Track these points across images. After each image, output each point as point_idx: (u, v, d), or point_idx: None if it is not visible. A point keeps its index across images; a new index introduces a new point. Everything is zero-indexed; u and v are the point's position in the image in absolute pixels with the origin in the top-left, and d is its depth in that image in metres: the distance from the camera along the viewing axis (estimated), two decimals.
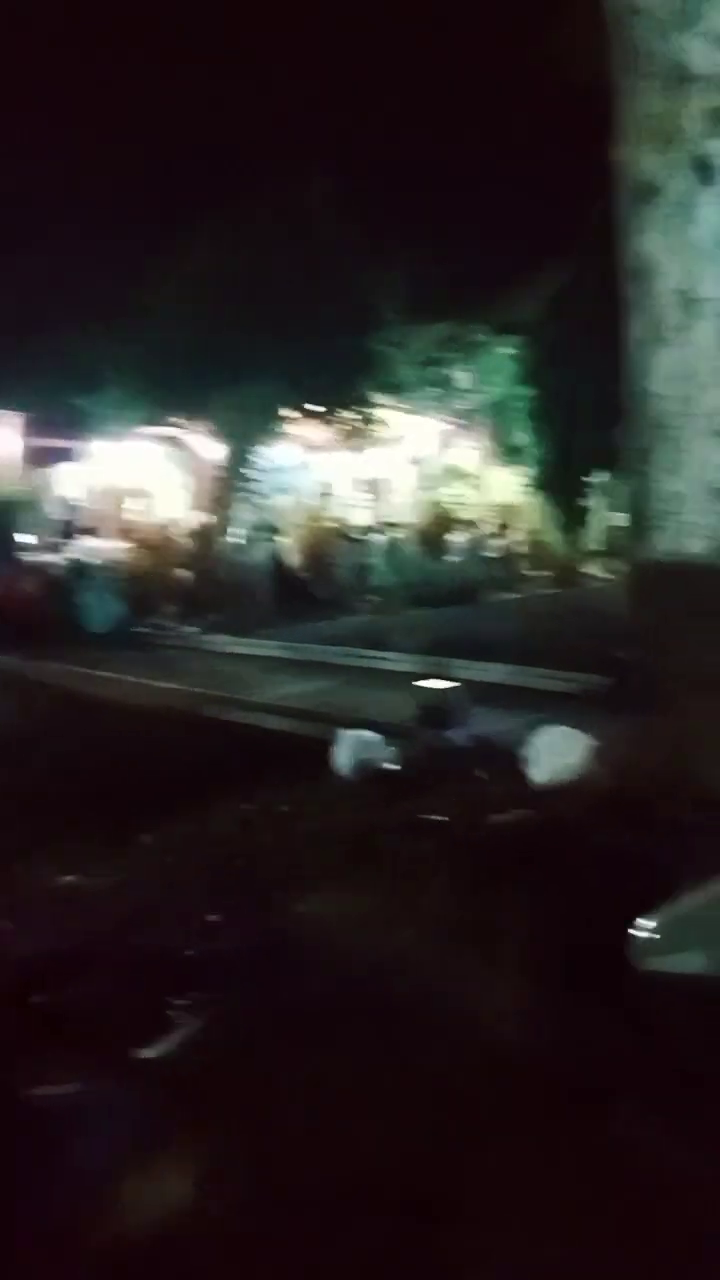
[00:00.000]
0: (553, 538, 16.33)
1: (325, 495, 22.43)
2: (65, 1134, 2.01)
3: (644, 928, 2.01)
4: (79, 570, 12.30)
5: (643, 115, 3.63)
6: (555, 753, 3.88)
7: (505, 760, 4.39)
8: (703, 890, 1.96)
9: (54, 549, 16.50)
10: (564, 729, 4.06)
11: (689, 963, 1.90)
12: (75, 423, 14.97)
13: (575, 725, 4.17)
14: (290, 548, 14.93)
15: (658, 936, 1.97)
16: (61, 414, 14.82)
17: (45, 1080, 2.20)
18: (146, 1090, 2.29)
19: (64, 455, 18.04)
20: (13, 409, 15.33)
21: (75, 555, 14.23)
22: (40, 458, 17.84)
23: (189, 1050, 2.44)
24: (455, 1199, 1.84)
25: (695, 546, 3.51)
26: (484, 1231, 1.75)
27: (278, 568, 13.91)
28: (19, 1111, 1.86)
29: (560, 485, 15.89)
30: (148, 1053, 2.41)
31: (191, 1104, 2.23)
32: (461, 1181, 1.88)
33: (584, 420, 13.67)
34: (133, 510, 20.07)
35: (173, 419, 14.98)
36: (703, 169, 3.46)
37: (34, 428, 15.78)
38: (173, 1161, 2.02)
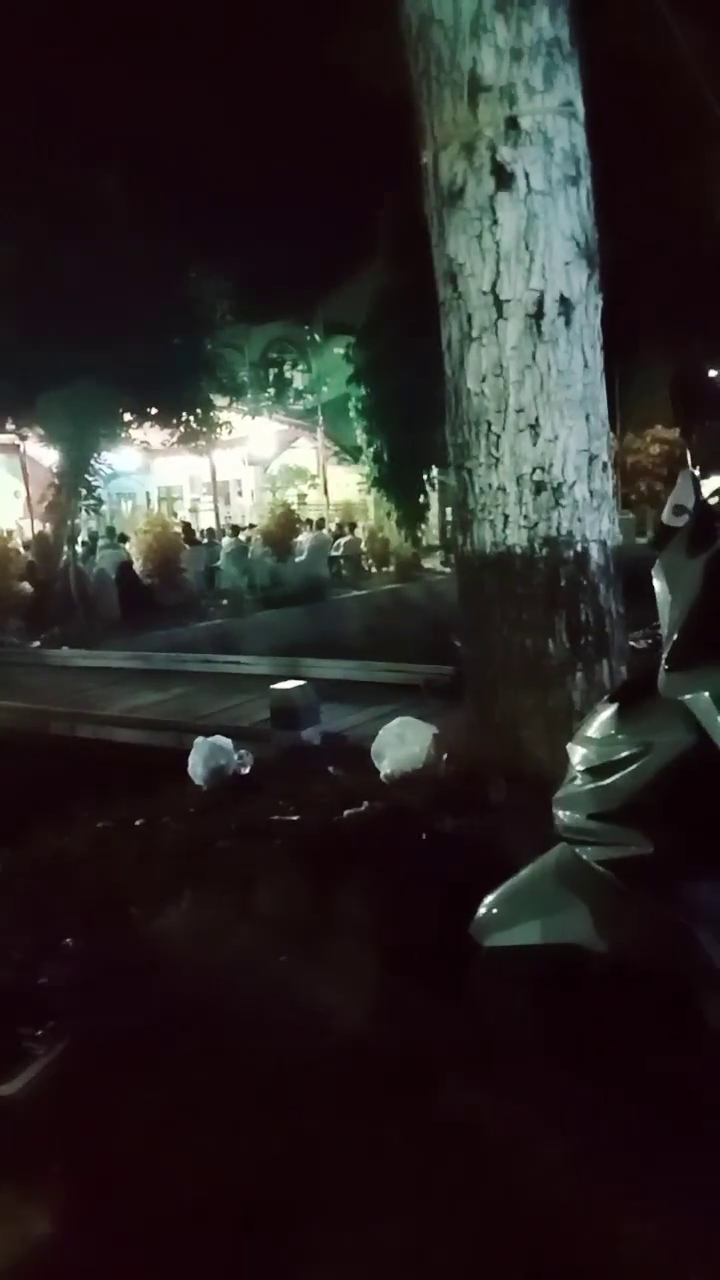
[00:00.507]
0: (393, 534, 16.70)
1: (168, 499, 22.04)
2: None
3: (484, 905, 2.10)
4: None
5: (443, 122, 3.76)
6: (400, 744, 3.98)
7: (355, 755, 4.48)
8: (531, 865, 2.07)
9: None
10: (408, 719, 4.17)
11: (525, 935, 2.00)
12: None
13: (419, 716, 4.30)
14: (135, 554, 14.60)
15: (495, 912, 2.07)
16: None
17: None
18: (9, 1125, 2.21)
19: None
20: None
21: None
22: None
23: (46, 1083, 2.37)
24: (323, 1198, 1.88)
25: (514, 538, 3.69)
26: (348, 1228, 1.80)
27: (123, 576, 13.58)
28: None
29: (397, 482, 16.26)
30: (3, 1089, 2.33)
31: (50, 1138, 2.17)
32: (332, 1178, 1.92)
33: (416, 418, 14.03)
34: None
35: (6, 426, 14.36)
36: (501, 175, 3.62)
37: None
38: (29, 1199, 1.97)
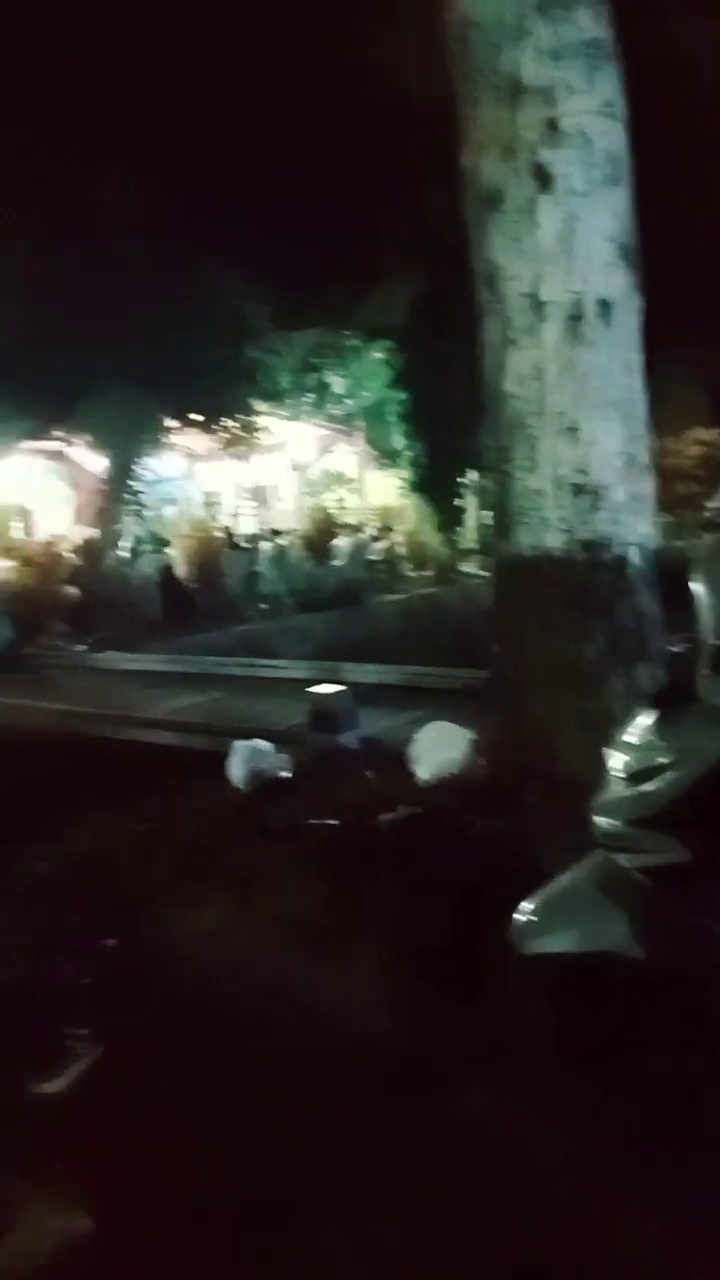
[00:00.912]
0: (431, 538, 16.68)
1: (210, 504, 22.26)
2: None
3: (521, 912, 2.09)
4: None
5: (484, 125, 3.76)
6: (437, 748, 3.97)
7: (392, 759, 4.48)
8: (570, 872, 2.06)
9: None
10: (444, 724, 4.16)
11: (562, 941, 1.99)
12: None
13: (458, 720, 4.29)
14: (177, 559, 14.75)
15: (534, 919, 2.06)
16: None
17: None
18: (49, 1125, 2.25)
19: None
20: None
21: None
22: None
23: (90, 1081, 2.40)
24: (364, 1201, 1.88)
25: (552, 541, 3.66)
26: (376, 1229, 1.80)
27: (165, 580, 13.72)
28: None
29: (435, 486, 16.24)
30: (48, 1087, 2.37)
31: (91, 1135, 2.20)
32: (374, 1182, 1.92)
33: (454, 422, 14.00)
34: (16, 527, 19.43)
35: (53, 433, 14.60)
36: (542, 177, 3.61)
37: None
38: (70, 1193, 2.00)
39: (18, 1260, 1.84)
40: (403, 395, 15.89)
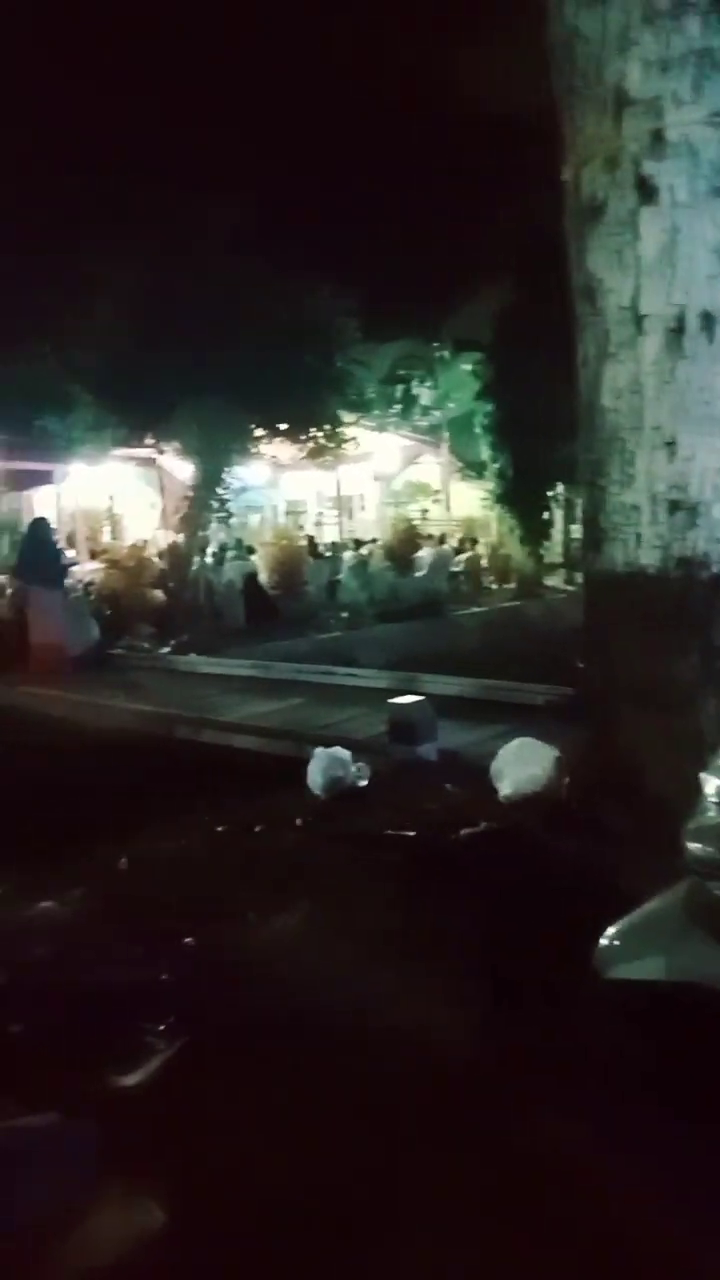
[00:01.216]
0: (515, 551, 16.50)
1: (294, 513, 22.53)
2: (37, 1163, 2.01)
3: (606, 936, 2.04)
4: None
5: (586, 137, 3.72)
6: (520, 764, 3.92)
7: (472, 773, 4.44)
8: (659, 898, 2.00)
9: None
10: (529, 740, 4.10)
11: (648, 969, 1.94)
12: (48, 445, 14.93)
13: (540, 736, 4.22)
14: (260, 566, 14.96)
15: (619, 945, 2.01)
16: (34, 437, 14.78)
17: (21, 1110, 2.19)
18: (125, 1118, 2.28)
19: (37, 478, 17.98)
20: None
21: None
22: (14, 480, 17.77)
23: (167, 1076, 2.44)
24: (424, 1217, 1.86)
25: (646, 558, 3.58)
26: (443, 1249, 1.78)
27: (248, 587, 13.92)
28: None
29: (521, 499, 16.06)
30: (127, 1080, 2.41)
31: (167, 1130, 2.23)
32: (434, 1198, 1.90)
33: (543, 434, 13.85)
34: (106, 531, 20.03)
35: (144, 440, 14.99)
36: (645, 189, 3.55)
37: (6, 451, 15.73)
38: (144, 1186, 2.03)
39: (89, 1248, 1.88)
40: (490, 407, 15.79)
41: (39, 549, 10.50)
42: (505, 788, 3.93)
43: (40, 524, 11.20)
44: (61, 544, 13.38)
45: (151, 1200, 1.95)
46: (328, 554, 17.24)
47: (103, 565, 13.50)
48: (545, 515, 16.42)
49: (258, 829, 4.31)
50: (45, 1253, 1.64)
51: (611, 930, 2.04)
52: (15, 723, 8.18)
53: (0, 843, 4.09)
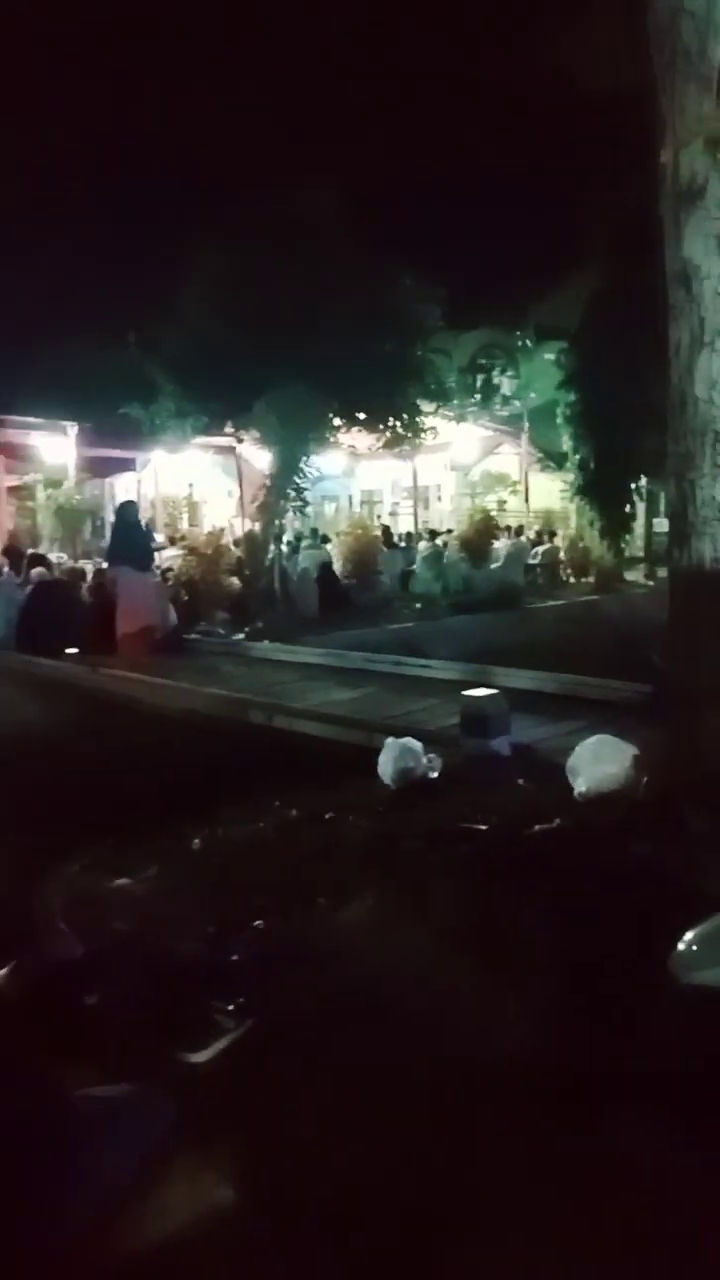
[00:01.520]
0: (595, 544, 16.17)
1: (369, 502, 22.53)
2: (106, 1133, 2.06)
3: (684, 941, 1.99)
4: None
5: (687, 118, 3.61)
6: (598, 762, 3.84)
7: (547, 769, 4.38)
8: None
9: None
10: (607, 737, 4.02)
11: None
12: (130, 433, 15.25)
13: (618, 734, 4.14)
14: (335, 555, 15.01)
15: (697, 949, 1.96)
16: (116, 424, 15.12)
17: (93, 1080, 2.25)
18: (191, 1093, 2.32)
19: (119, 465, 18.41)
20: (68, 419, 15.72)
21: None
22: (96, 467, 18.23)
23: (233, 1055, 2.47)
24: (482, 1216, 1.84)
25: None
26: (500, 1249, 1.76)
27: (323, 575, 13.99)
28: (65, 1110, 1.91)
29: (602, 491, 15.71)
30: (195, 1057, 2.45)
31: (229, 1109, 2.26)
32: (493, 1197, 1.89)
33: (627, 425, 13.53)
34: (184, 519, 20.39)
35: (224, 428, 15.16)
36: None
37: (89, 437, 16.15)
38: (205, 1164, 2.06)
39: (161, 1219, 1.92)
40: (573, 396, 15.49)
41: (128, 532, 10.49)
42: (581, 785, 3.86)
43: (129, 507, 11.18)
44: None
45: (221, 1176, 1.98)
46: (402, 544, 17.21)
47: (181, 552, 13.73)
48: (627, 508, 16.04)
49: (328, 816, 4.33)
50: (121, 1221, 1.68)
51: (689, 935, 1.99)
52: (98, 703, 8.41)
53: (80, 820, 4.21)
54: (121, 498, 15.04)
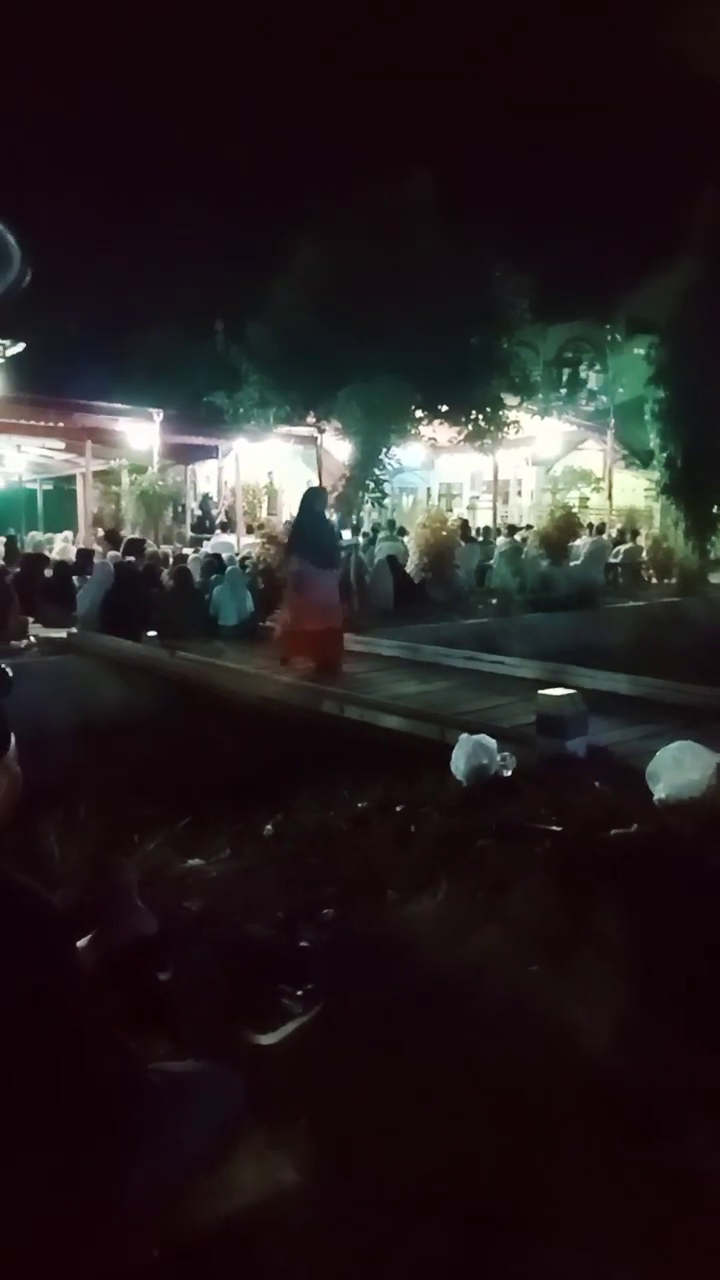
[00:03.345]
0: (679, 544, 15.76)
1: (448, 495, 22.40)
2: (179, 1106, 2.10)
3: None
4: (214, 564, 12.71)
5: None
6: (679, 768, 3.75)
7: (624, 772, 4.30)
8: None
9: (193, 543, 17.20)
10: (689, 743, 3.92)
11: None
12: (214, 421, 15.48)
13: (700, 741, 4.03)
14: (412, 548, 14.97)
15: None
16: (201, 413, 15.37)
17: (164, 1055, 2.29)
18: (259, 1074, 2.35)
19: (202, 453, 18.73)
20: (154, 406, 16.04)
21: (211, 550, 14.74)
22: (180, 454, 18.58)
23: (301, 1040, 2.49)
24: (548, 1220, 1.82)
25: None
26: (566, 1256, 1.73)
27: (398, 568, 13.97)
28: (141, 1080, 1.95)
29: (688, 489, 15.29)
30: (263, 1039, 2.48)
31: (297, 1092, 2.28)
32: (561, 1202, 1.86)
33: (717, 423, 13.14)
34: (263, 507, 20.60)
35: (306, 418, 15.26)
36: None
37: (174, 425, 16.45)
38: (272, 1145, 2.08)
39: (226, 1198, 1.94)
40: (662, 393, 15.12)
41: (314, 522, 8.50)
42: (661, 791, 3.77)
43: (317, 495, 8.99)
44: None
45: (287, 1159, 2.00)
46: (480, 538, 17.05)
47: (259, 540, 13.88)
48: (715, 508, 15.59)
49: (399, 809, 4.33)
50: (188, 1195, 1.71)
51: None
52: (176, 687, 8.58)
53: (157, 799, 4.30)
54: (199, 485, 15.22)
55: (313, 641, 8.24)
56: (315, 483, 17.71)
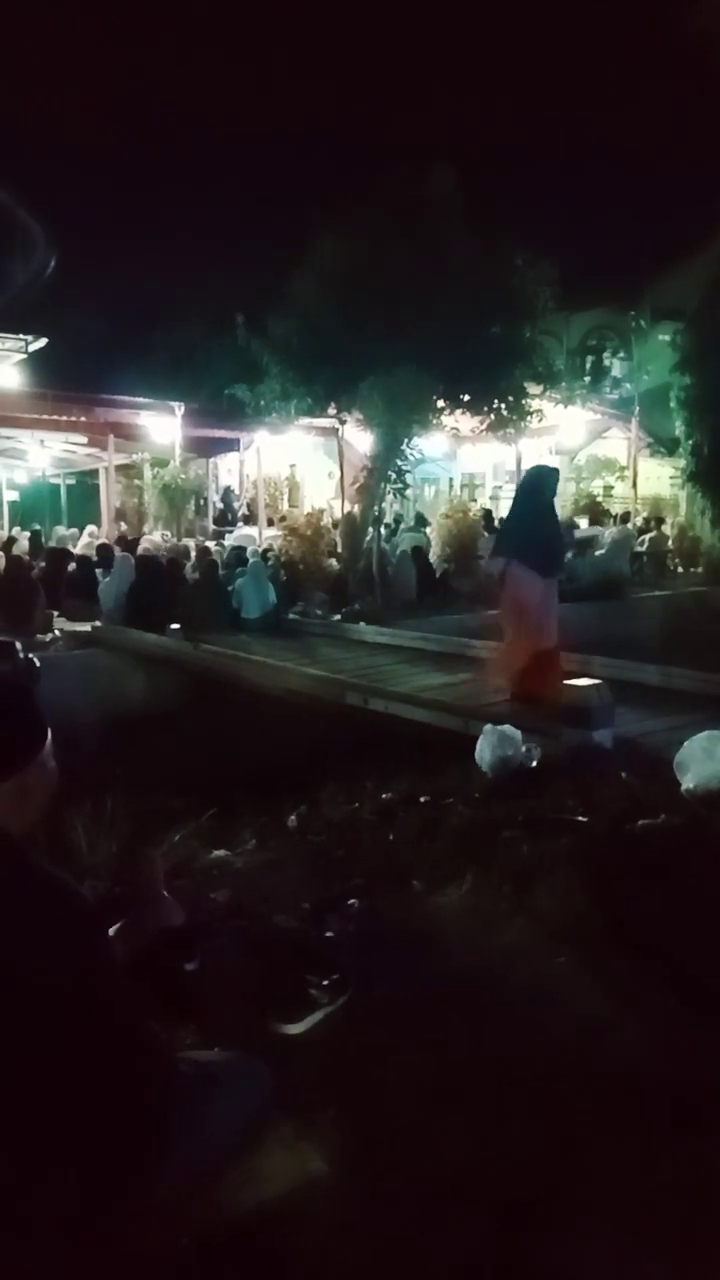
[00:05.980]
0: (706, 533, 15.57)
1: (470, 486, 22.27)
2: (207, 1096, 2.12)
3: None
4: (236, 557, 12.74)
5: None
6: (708, 759, 3.71)
7: (651, 763, 4.26)
8: None
9: (215, 536, 17.25)
10: (717, 733, 3.88)
11: None
12: (235, 414, 15.48)
13: None
14: (433, 539, 14.92)
15: None
16: (223, 405, 15.37)
17: (191, 1045, 2.31)
18: (286, 1064, 2.36)
19: (223, 445, 18.75)
20: (176, 399, 16.08)
21: (233, 542, 14.78)
22: (201, 447, 18.62)
23: (327, 1030, 2.50)
24: (577, 1213, 1.81)
25: None
26: (595, 1248, 1.72)
27: (421, 558, 13.93)
28: (169, 1069, 1.96)
29: (716, 477, 15.10)
30: (289, 1029, 2.48)
31: (324, 1082, 2.28)
32: (591, 1195, 1.85)
33: None
34: (285, 499, 20.60)
35: (327, 410, 15.21)
36: None
37: (195, 418, 16.48)
38: (300, 1136, 2.09)
39: (254, 1188, 1.95)
40: (688, 380, 14.92)
41: (537, 517, 6.55)
42: (689, 781, 3.74)
43: (545, 478, 6.86)
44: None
45: (315, 1149, 2.01)
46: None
47: (281, 532, 13.89)
48: None
49: (423, 800, 4.32)
50: (217, 1184, 1.72)
51: None
52: (200, 679, 8.60)
53: (182, 790, 4.31)
54: (220, 478, 15.22)
55: (531, 665, 6.42)
56: (335, 474, 17.58)
